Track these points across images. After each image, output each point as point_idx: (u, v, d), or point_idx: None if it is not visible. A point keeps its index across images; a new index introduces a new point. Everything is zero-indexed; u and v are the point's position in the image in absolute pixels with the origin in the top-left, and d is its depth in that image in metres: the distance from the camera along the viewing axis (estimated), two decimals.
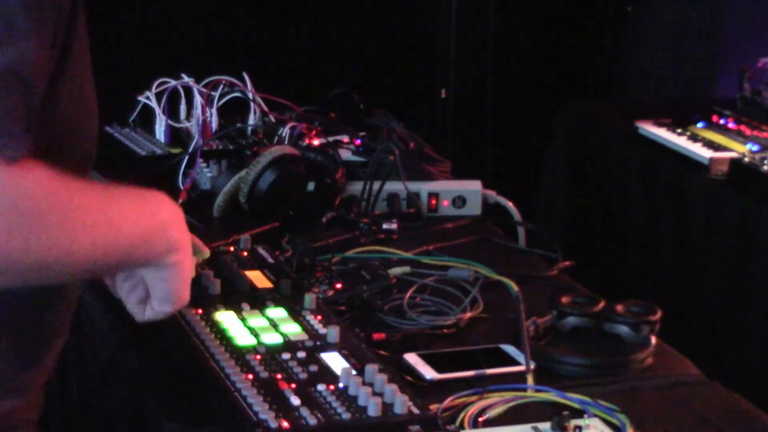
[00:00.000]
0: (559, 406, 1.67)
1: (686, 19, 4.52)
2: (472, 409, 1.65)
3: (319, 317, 1.86)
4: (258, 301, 1.91)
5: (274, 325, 1.83)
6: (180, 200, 2.44)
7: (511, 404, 1.68)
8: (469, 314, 1.97)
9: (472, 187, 2.55)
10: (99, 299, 2.02)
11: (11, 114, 1.32)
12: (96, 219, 1.40)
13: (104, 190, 1.45)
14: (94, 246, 1.40)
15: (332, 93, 2.89)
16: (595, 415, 1.64)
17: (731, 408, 1.75)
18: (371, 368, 1.67)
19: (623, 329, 1.91)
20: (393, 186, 2.48)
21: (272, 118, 2.74)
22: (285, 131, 2.66)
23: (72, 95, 1.46)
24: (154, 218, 1.48)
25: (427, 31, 4.62)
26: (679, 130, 3.39)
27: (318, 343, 1.78)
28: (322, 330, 1.82)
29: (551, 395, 1.70)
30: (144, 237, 1.47)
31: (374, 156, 2.51)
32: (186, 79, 2.73)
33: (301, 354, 1.74)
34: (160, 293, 1.53)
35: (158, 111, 2.73)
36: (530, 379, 1.75)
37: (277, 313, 1.88)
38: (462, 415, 1.63)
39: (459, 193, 2.53)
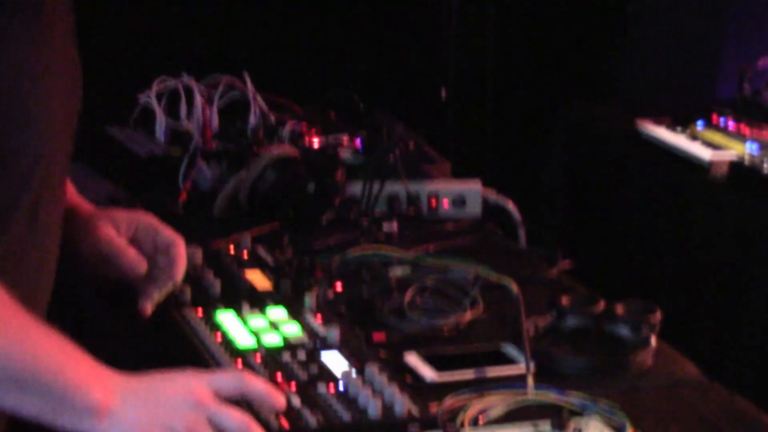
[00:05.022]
0: (559, 406, 1.67)
1: (686, 19, 4.51)
2: (472, 409, 1.65)
3: (319, 317, 1.87)
4: (258, 301, 1.92)
5: (275, 326, 1.83)
6: (180, 200, 2.44)
7: (511, 404, 1.68)
8: (469, 314, 1.98)
9: (472, 187, 2.55)
10: (99, 299, 2.02)
11: None
12: (7, 325, 1.37)
13: (35, 321, 1.40)
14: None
15: (332, 93, 2.89)
16: (595, 415, 1.64)
17: (731, 408, 1.75)
18: (371, 368, 1.67)
19: (623, 329, 1.91)
20: (393, 186, 2.48)
21: (272, 118, 2.75)
22: (285, 131, 2.66)
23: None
24: (74, 370, 1.41)
25: (427, 31, 4.61)
26: (678, 130, 3.39)
27: (318, 343, 1.79)
28: (322, 330, 1.82)
29: (551, 395, 1.70)
30: (56, 376, 1.40)
31: (374, 156, 2.51)
32: (186, 78, 2.73)
33: (302, 354, 1.74)
34: None
35: (158, 111, 2.73)
36: (530, 380, 1.75)
37: (277, 313, 1.88)
38: (462, 415, 1.63)
39: (459, 193, 2.53)
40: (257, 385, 1.53)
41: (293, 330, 1.82)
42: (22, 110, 1.47)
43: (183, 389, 1.46)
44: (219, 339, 1.78)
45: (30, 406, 1.40)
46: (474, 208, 2.53)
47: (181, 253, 1.77)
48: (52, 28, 1.52)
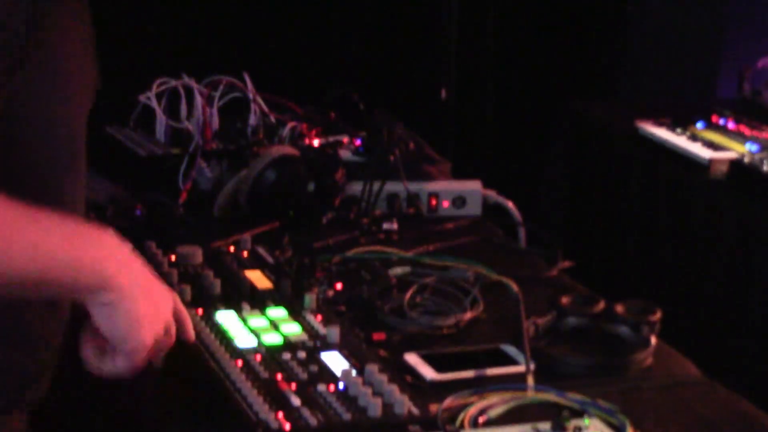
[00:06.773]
0: (559, 406, 1.67)
1: (686, 19, 4.52)
2: (472, 409, 1.65)
3: (319, 317, 1.87)
4: (258, 301, 1.92)
5: (275, 326, 1.83)
6: (180, 201, 2.44)
7: (511, 404, 1.68)
8: (469, 314, 1.98)
9: (472, 187, 2.55)
10: None
11: None
12: (14, 236, 1.36)
13: (35, 213, 1.40)
14: (9, 262, 1.36)
15: (332, 93, 2.89)
16: (595, 415, 1.64)
17: (731, 408, 1.75)
18: (371, 368, 1.67)
19: (623, 329, 1.91)
20: (393, 186, 2.48)
21: (272, 118, 2.75)
22: (285, 131, 2.66)
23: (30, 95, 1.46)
24: (85, 252, 1.42)
25: (427, 31, 4.62)
26: (679, 130, 3.39)
27: (318, 343, 1.78)
28: (322, 330, 1.82)
29: (551, 395, 1.70)
30: (68, 267, 1.41)
31: (374, 156, 2.51)
32: (186, 79, 2.73)
33: (302, 354, 1.74)
34: (109, 337, 1.47)
35: (158, 111, 2.73)
36: (530, 379, 1.75)
37: (277, 313, 1.88)
38: (462, 415, 1.64)
39: (459, 194, 2.53)
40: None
41: (293, 330, 1.82)
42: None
43: (167, 294, 1.55)
44: (219, 339, 1.78)
45: (47, 294, 1.48)
46: (474, 208, 2.53)
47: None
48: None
